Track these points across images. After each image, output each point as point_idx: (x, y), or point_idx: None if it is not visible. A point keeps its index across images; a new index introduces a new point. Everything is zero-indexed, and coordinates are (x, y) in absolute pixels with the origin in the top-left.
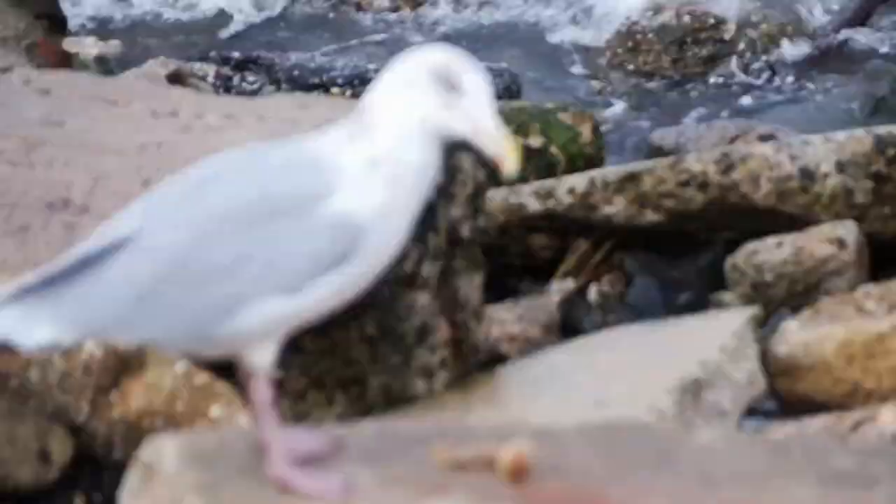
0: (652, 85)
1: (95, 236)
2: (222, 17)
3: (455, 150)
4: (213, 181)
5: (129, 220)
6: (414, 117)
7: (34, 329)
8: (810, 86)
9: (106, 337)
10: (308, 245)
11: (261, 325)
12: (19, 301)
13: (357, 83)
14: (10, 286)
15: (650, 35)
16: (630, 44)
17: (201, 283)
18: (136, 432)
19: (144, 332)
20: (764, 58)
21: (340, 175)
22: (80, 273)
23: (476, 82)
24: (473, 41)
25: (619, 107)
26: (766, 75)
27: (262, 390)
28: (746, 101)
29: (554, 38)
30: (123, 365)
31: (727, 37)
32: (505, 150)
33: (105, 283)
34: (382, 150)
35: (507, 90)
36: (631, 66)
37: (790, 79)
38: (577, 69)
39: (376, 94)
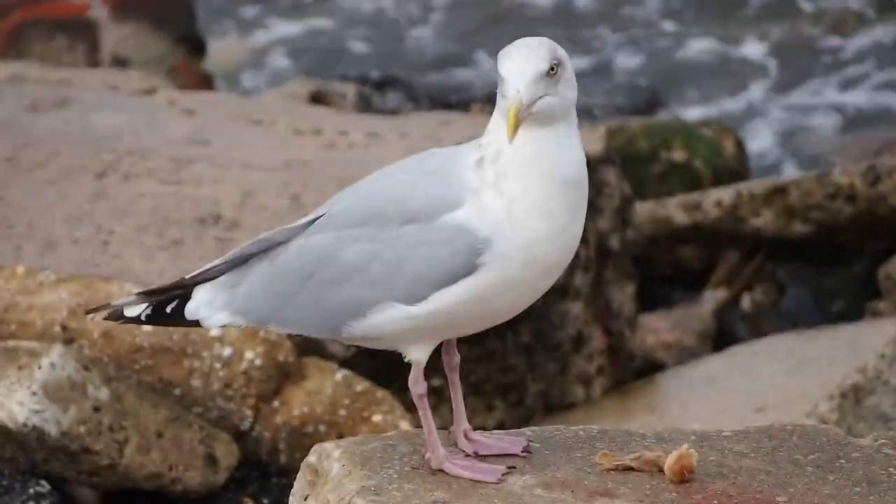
0: None
1: (280, 230)
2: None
3: (600, 164)
4: (361, 191)
5: (303, 222)
6: (498, 113)
7: (215, 313)
8: None
9: (265, 326)
10: (428, 252)
11: (388, 330)
12: (212, 282)
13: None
14: (211, 264)
15: None
16: None
17: (336, 282)
18: (299, 438)
19: (294, 324)
20: None
21: (465, 187)
22: (256, 264)
23: (507, 69)
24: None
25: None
26: None
27: (417, 384)
28: None
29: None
30: (283, 374)
31: None
32: (507, 126)
33: (266, 277)
34: (486, 149)
35: (647, 105)
36: None
37: None
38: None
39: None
